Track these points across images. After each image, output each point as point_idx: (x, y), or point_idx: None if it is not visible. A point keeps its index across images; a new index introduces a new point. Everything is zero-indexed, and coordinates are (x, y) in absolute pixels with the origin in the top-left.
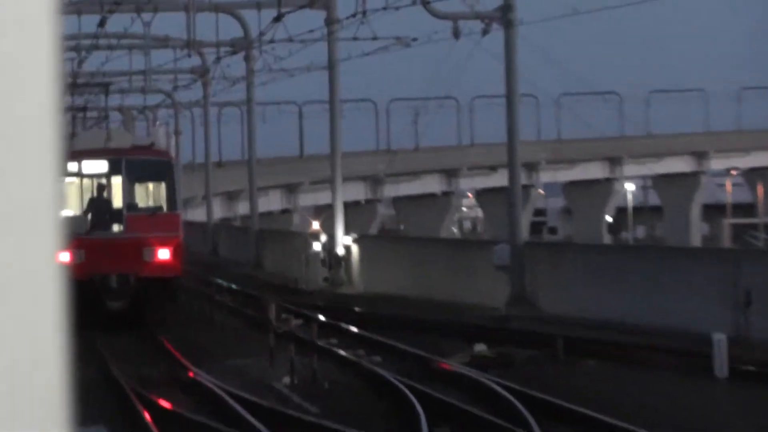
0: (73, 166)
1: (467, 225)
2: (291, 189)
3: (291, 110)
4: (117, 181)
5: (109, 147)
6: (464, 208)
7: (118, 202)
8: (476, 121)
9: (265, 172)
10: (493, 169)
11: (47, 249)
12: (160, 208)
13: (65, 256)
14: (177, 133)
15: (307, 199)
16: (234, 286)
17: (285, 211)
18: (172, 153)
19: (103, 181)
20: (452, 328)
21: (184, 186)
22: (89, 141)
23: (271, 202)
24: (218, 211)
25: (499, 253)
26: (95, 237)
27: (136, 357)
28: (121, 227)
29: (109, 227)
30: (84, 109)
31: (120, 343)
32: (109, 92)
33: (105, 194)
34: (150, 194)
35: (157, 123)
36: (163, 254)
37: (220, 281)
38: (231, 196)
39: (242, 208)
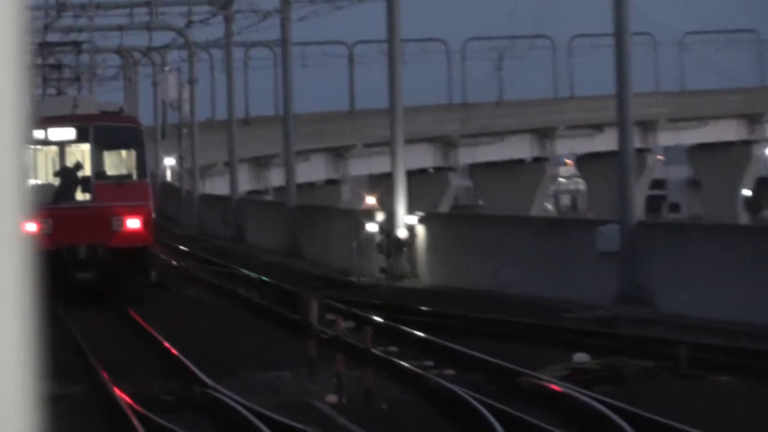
0: (39, 134)
1: (565, 200)
2: (339, 153)
3: (338, 53)
4: (84, 149)
5: (76, 113)
6: (561, 179)
7: (85, 170)
8: (577, 67)
9: (306, 131)
10: (597, 128)
11: (12, 219)
12: (129, 176)
13: (32, 227)
14: (192, 81)
15: (360, 166)
16: (264, 279)
17: (331, 182)
18: (186, 105)
19: (71, 148)
20: (545, 333)
21: (200, 148)
22: (55, 107)
23: (314, 170)
24: (245, 183)
25: (605, 236)
26: (62, 206)
27: (139, 371)
28: (90, 196)
29: (77, 196)
30: (58, 67)
31: (119, 352)
32: (82, 51)
33: (72, 162)
34: (119, 162)
35: (166, 68)
36: (133, 224)
37: (246, 272)
38: (261, 163)
39: (276, 178)
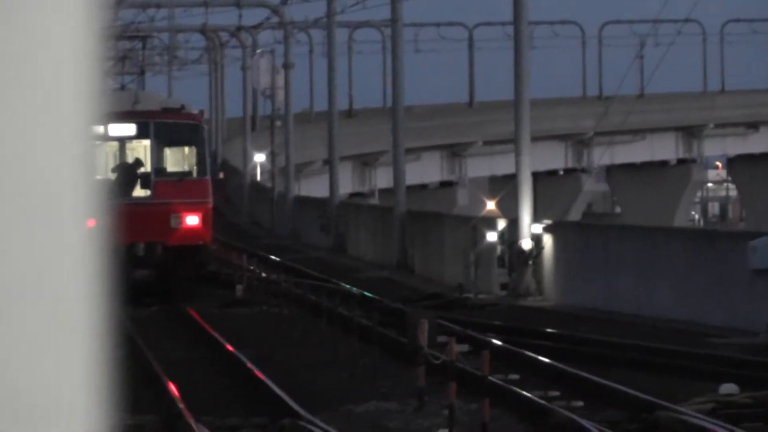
0: (98, 129)
1: (713, 208)
2: (455, 152)
3: (457, 36)
4: (145, 145)
5: (137, 109)
6: (710, 184)
7: (145, 167)
8: (730, 57)
9: (418, 126)
10: (752, 127)
11: (79, 216)
12: (189, 173)
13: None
14: (287, 66)
15: (479, 166)
16: (368, 296)
17: (445, 185)
18: (280, 94)
19: (131, 144)
20: (688, 361)
21: (295, 144)
22: (116, 102)
23: (426, 170)
24: (346, 184)
25: (759, 250)
26: (121, 203)
27: (222, 401)
28: (149, 193)
29: (136, 193)
30: (122, 59)
31: (199, 379)
32: (147, 45)
33: (132, 159)
34: (180, 159)
35: (258, 51)
36: (192, 221)
37: (347, 287)
38: (366, 162)
39: (382, 179)
